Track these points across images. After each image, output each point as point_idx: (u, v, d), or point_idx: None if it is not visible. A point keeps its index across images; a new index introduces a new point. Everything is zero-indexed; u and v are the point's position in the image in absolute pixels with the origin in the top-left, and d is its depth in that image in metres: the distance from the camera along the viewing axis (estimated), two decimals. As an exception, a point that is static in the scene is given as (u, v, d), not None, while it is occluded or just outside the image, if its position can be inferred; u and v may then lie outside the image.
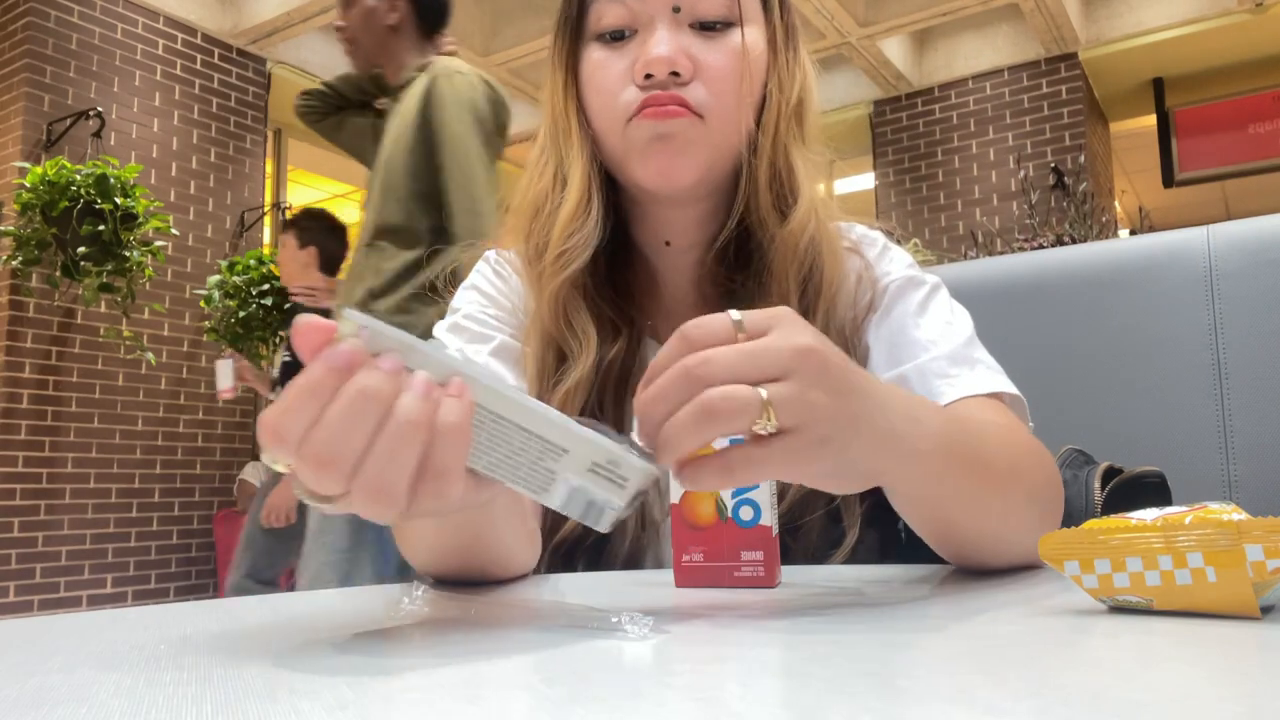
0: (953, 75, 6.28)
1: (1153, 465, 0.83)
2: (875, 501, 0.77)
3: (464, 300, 0.87)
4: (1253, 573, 0.40)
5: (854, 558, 0.76)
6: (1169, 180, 6.32)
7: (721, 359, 0.43)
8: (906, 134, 6.41)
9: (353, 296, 1.94)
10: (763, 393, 0.43)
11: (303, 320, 0.40)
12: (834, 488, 0.49)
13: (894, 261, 0.85)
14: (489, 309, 0.85)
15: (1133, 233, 6.23)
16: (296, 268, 3.39)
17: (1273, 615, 0.42)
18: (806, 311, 0.77)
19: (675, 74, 0.74)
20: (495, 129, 2.01)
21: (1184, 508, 0.44)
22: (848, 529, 0.75)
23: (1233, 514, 0.42)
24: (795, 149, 0.81)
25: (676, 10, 0.76)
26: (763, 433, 0.43)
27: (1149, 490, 0.79)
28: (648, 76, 0.75)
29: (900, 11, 5.52)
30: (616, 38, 0.78)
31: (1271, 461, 1.01)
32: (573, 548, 0.77)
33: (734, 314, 0.45)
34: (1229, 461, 1.03)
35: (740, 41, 0.77)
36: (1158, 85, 6.33)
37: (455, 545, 0.61)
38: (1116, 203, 7.01)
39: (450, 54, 2.20)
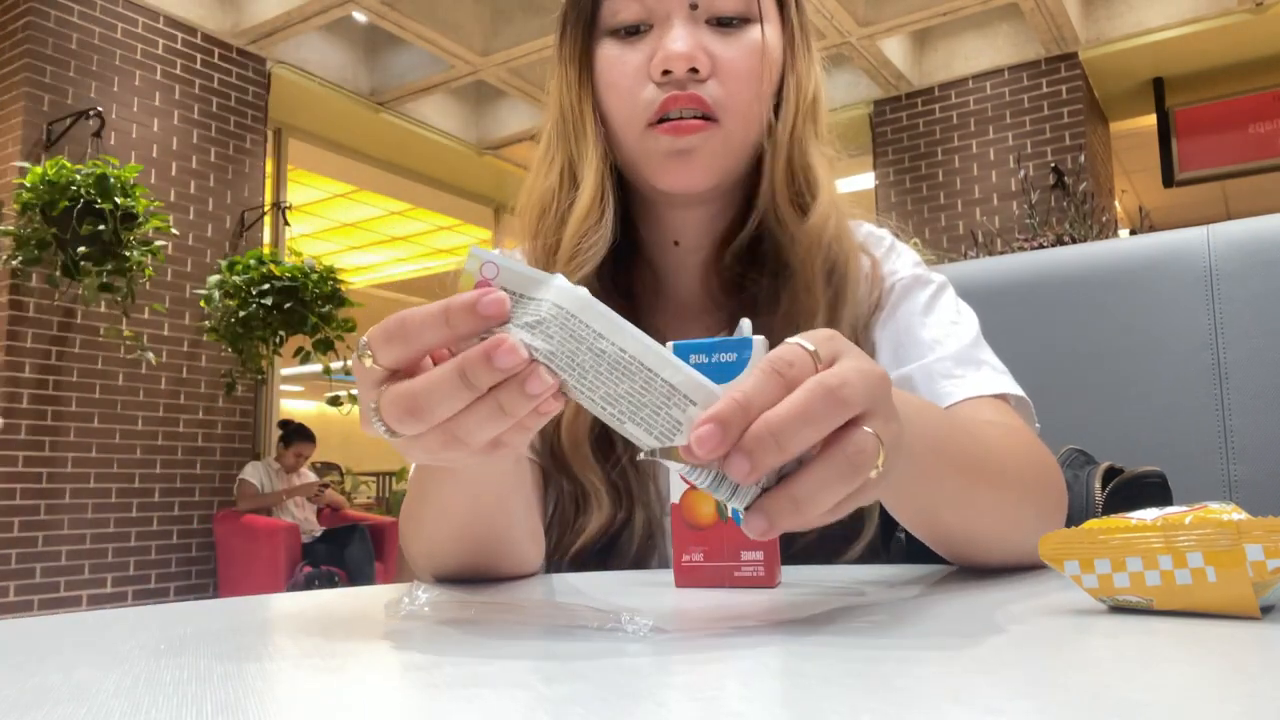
0: (953, 75, 6.28)
1: (1153, 465, 0.83)
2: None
3: None
4: (1253, 572, 0.40)
5: (858, 558, 0.76)
6: (1169, 180, 6.33)
7: (855, 387, 0.39)
8: (906, 134, 6.41)
9: None
10: (869, 430, 0.40)
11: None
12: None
13: (901, 259, 0.84)
14: None
15: (1133, 233, 6.23)
16: None
17: (1273, 615, 0.42)
18: (833, 306, 0.77)
19: (693, 70, 0.73)
20: None
21: (1184, 508, 0.44)
22: (867, 522, 0.75)
23: (1233, 514, 0.42)
24: (812, 145, 0.80)
25: (694, 7, 0.75)
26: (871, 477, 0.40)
27: (1150, 490, 0.79)
28: (665, 73, 0.74)
29: (900, 11, 5.52)
30: (631, 32, 0.76)
31: (1271, 461, 1.01)
32: (582, 551, 0.77)
33: (804, 342, 0.42)
34: (1229, 462, 1.03)
35: (757, 38, 0.76)
36: (1158, 85, 6.33)
37: (471, 538, 0.62)
38: (1116, 203, 7.01)
39: None
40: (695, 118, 0.74)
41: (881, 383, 0.42)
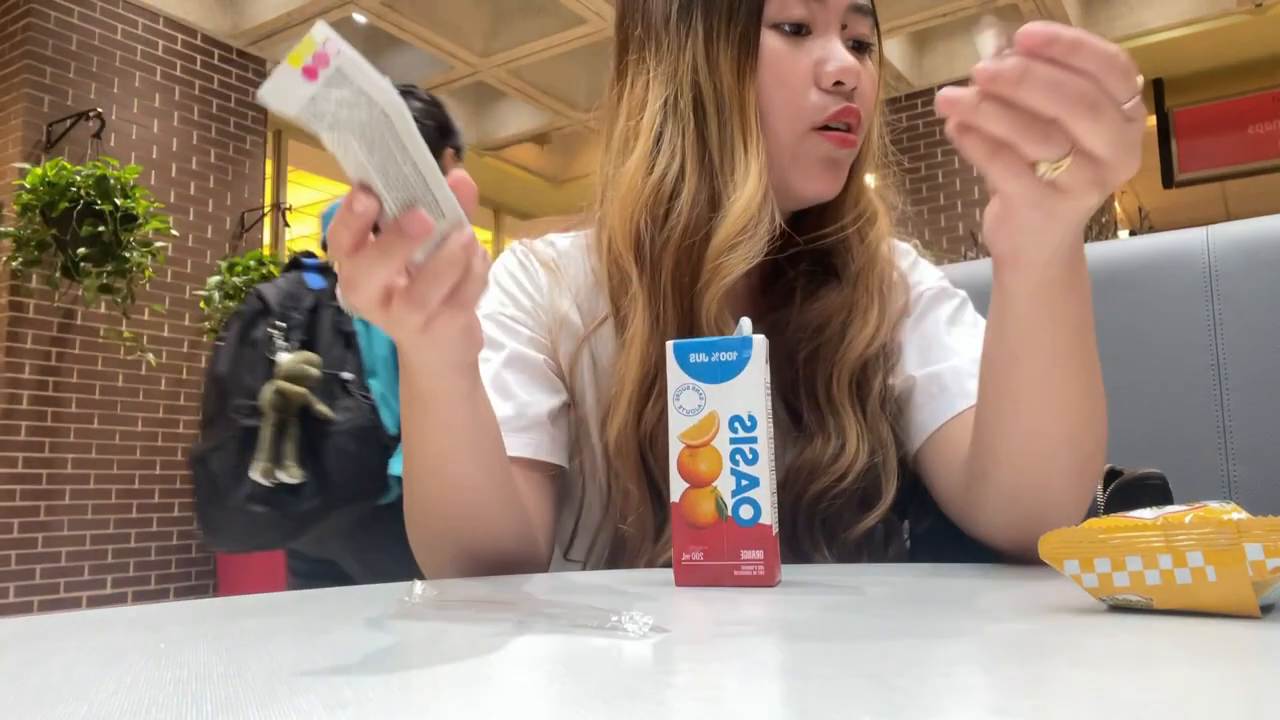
0: (953, 76, 6.28)
1: (1153, 466, 0.83)
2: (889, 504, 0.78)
3: (485, 297, 0.84)
4: (1253, 572, 0.40)
5: (857, 557, 0.77)
6: (1169, 181, 6.33)
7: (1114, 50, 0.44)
8: (906, 134, 6.42)
9: None
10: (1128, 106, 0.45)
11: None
12: (1050, 233, 0.52)
13: (925, 273, 0.88)
14: (507, 308, 0.82)
15: (1132, 233, 6.23)
16: None
17: (1273, 615, 0.42)
18: (882, 308, 0.81)
19: (854, 88, 0.77)
20: None
21: (1184, 507, 0.44)
22: (885, 491, 0.77)
23: (1233, 513, 0.42)
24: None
25: (844, 27, 0.78)
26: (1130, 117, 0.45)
27: (1151, 492, 0.78)
28: (838, 83, 0.76)
29: (900, 12, 5.52)
30: (796, 31, 0.77)
31: (1271, 461, 1.01)
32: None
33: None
34: (1229, 461, 1.03)
35: (874, 69, 0.80)
36: (1157, 86, 6.34)
37: (458, 531, 0.69)
38: (1116, 203, 7.01)
39: None
40: (847, 131, 0.78)
41: (1141, 106, 0.46)
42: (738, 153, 0.75)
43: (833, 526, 0.76)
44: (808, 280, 0.82)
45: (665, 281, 0.75)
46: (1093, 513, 0.76)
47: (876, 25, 0.81)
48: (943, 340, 0.80)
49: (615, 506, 0.77)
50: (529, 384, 0.78)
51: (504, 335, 0.80)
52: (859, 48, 0.79)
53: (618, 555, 0.77)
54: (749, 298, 0.84)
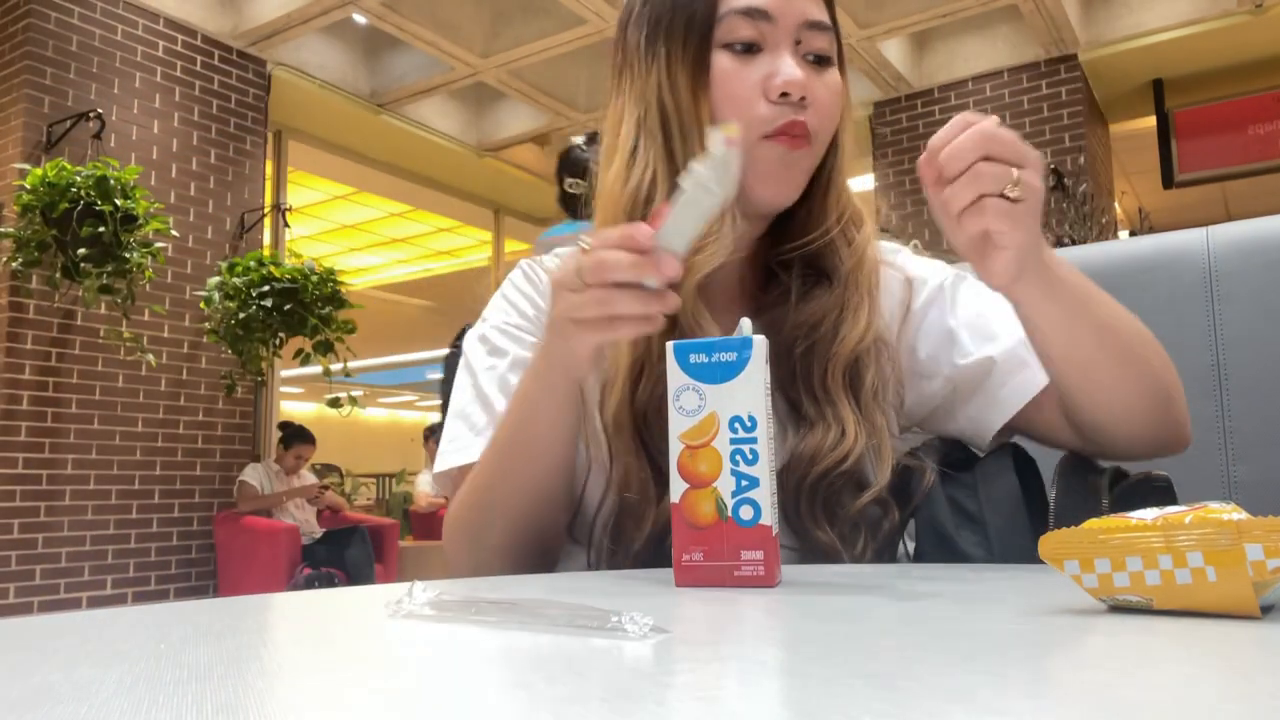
0: (952, 76, 6.28)
1: (1154, 466, 0.82)
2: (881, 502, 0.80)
3: (491, 309, 0.94)
4: (1253, 572, 0.40)
5: (856, 533, 0.78)
6: (1169, 181, 6.33)
7: (1006, 135, 0.62)
8: (906, 135, 6.42)
9: None
10: (1015, 173, 0.61)
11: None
12: (1016, 276, 0.66)
13: (930, 265, 0.94)
14: (511, 317, 0.91)
15: (1132, 234, 6.23)
16: None
17: (1273, 615, 0.42)
18: (871, 307, 0.87)
19: (803, 99, 0.81)
20: None
21: (1184, 507, 0.44)
22: (878, 474, 0.81)
23: (1233, 514, 0.42)
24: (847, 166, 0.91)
25: (798, 43, 0.83)
26: (1010, 195, 0.62)
27: (1157, 493, 0.78)
28: (783, 95, 0.81)
29: (900, 13, 5.53)
30: (746, 49, 0.82)
31: (1271, 461, 1.01)
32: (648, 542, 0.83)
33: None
34: (1229, 461, 1.03)
35: (838, 79, 0.86)
36: (1157, 86, 6.34)
37: (536, 499, 0.80)
38: (1116, 204, 7.01)
39: None
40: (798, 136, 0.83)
41: (1040, 163, 0.63)
42: None
43: (832, 506, 0.81)
44: (802, 282, 0.88)
45: None
46: (1098, 513, 0.76)
47: (838, 39, 0.86)
48: (991, 320, 0.87)
49: (617, 477, 0.82)
50: None
51: (508, 343, 0.89)
52: (819, 61, 0.84)
53: (623, 520, 0.82)
54: (746, 298, 0.90)
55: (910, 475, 0.82)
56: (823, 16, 0.84)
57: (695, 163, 0.62)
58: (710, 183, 0.62)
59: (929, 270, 0.93)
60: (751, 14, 0.81)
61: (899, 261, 0.94)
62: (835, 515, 0.80)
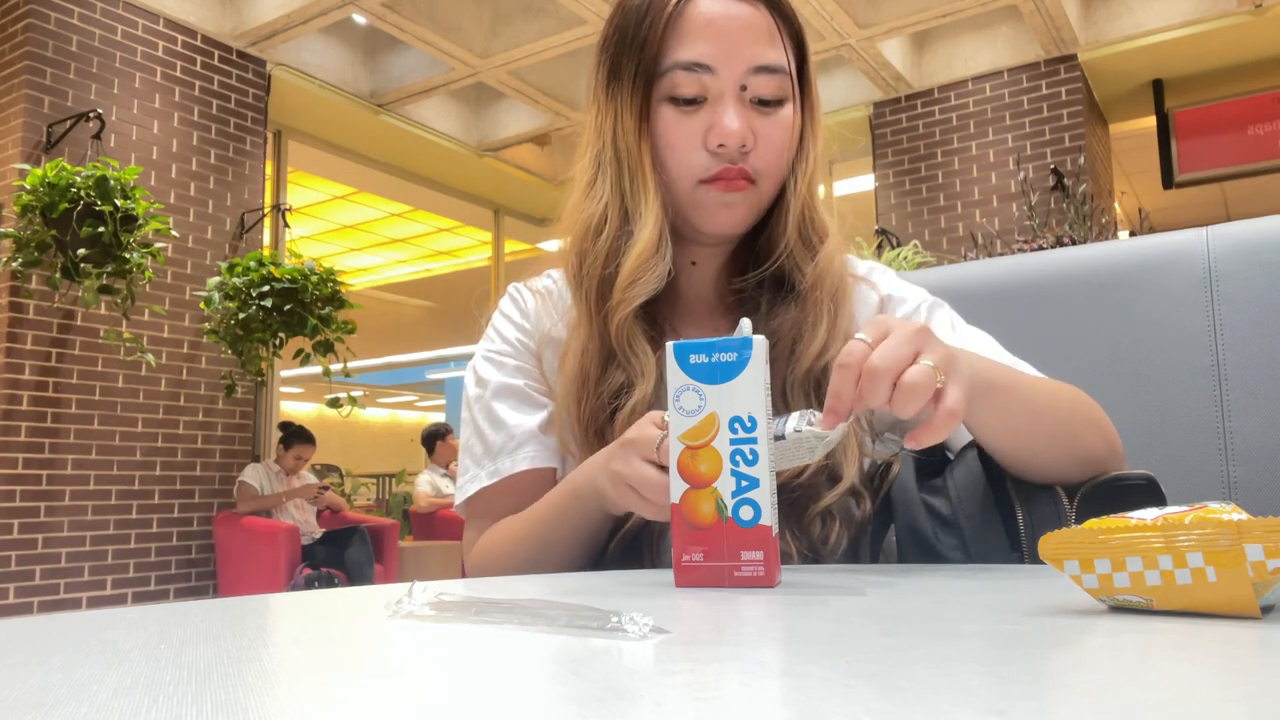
0: (952, 77, 6.28)
1: (1153, 466, 0.82)
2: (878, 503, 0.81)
3: (484, 335, 1.00)
4: (1253, 572, 0.40)
5: (856, 558, 0.77)
6: (1168, 182, 6.32)
7: (895, 352, 0.61)
8: (906, 135, 6.42)
9: None
10: (928, 362, 0.61)
11: None
12: (958, 421, 0.64)
13: (909, 289, 0.98)
14: (495, 343, 0.97)
15: (1132, 234, 6.23)
16: None
17: (1273, 615, 0.42)
18: (833, 320, 0.90)
19: (742, 146, 0.85)
20: None
21: (1184, 507, 0.44)
22: (845, 469, 0.84)
23: (1233, 514, 0.42)
24: (817, 196, 0.94)
25: (744, 88, 0.86)
26: (940, 386, 0.61)
27: (1133, 493, 0.76)
28: (720, 146, 0.85)
29: (899, 13, 5.53)
30: (690, 102, 0.86)
31: (1271, 462, 1.01)
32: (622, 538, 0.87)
33: (864, 336, 0.63)
34: (1229, 462, 1.03)
35: (789, 116, 0.89)
36: (1157, 86, 6.33)
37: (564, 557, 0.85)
38: (1116, 204, 7.01)
39: None
40: (736, 178, 0.87)
41: (924, 334, 0.63)
42: (641, 202, 0.88)
43: (804, 503, 0.84)
44: (771, 297, 0.92)
45: (591, 303, 0.89)
46: (1061, 522, 0.75)
47: (792, 77, 0.88)
48: (966, 342, 0.90)
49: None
50: (515, 408, 0.93)
51: (492, 371, 0.95)
52: (764, 104, 0.87)
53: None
54: (715, 316, 0.95)
55: (879, 466, 0.86)
56: (770, 59, 0.86)
57: (805, 422, 0.64)
58: (806, 449, 0.64)
59: (907, 292, 0.97)
60: (693, 68, 0.85)
61: (875, 278, 0.98)
62: (806, 511, 0.83)
